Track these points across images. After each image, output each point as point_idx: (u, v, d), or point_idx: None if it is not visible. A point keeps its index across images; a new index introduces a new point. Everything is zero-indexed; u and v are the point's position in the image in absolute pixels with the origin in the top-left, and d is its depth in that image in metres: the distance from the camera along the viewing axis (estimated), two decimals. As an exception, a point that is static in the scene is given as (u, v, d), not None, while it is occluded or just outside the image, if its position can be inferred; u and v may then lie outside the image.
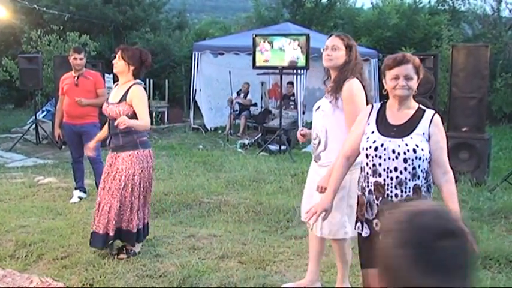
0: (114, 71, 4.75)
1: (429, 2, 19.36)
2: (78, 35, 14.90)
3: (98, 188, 6.72)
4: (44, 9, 18.25)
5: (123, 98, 4.62)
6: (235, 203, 6.65)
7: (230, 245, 5.09)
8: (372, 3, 20.21)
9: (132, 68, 4.66)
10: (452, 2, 18.94)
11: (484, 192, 7.15)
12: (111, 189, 4.64)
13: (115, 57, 4.74)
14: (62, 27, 16.11)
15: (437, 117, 2.96)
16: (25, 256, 4.76)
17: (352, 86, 3.64)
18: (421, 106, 3.01)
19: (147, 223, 4.96)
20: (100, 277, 4.30)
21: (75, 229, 5.55)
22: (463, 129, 7.87)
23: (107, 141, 4.80)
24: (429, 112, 2.97)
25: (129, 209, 4.66)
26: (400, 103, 2.97)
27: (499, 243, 5.16)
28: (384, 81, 3.02)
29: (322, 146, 3.76)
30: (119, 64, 4.68)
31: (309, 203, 3.84)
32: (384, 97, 3.13)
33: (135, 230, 4.70)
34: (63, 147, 10.64)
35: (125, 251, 4.76)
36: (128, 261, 4.57)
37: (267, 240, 5.27)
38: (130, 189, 4.63)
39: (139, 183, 4.66)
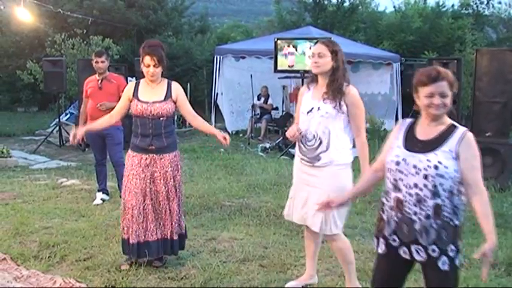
0: (153, 78, 4.47)
1: (452, 5, 19.23)
2: (102, 39, 15.06)
3: (120, 191, 6.83)
4: (68, 13, 18.48)
5: (168, 96, 4.49)
6: (257, 206, 6.66)
7: (251, 248, 5.09)
8: (394, 6, 20.14)
9: (163, 69, 4.53)
10: (476, 6, 18.76)
11: (508, 198, 7.06)
12: (164, 193, 4.48)
13: (138, 61, 4.64)
14: (85, 31, 16.34)
15: (469, 135, 2.80)
16: (48, 257, 4.81)
17: (356, 92, 3.86)
18: (454, 123, 2.88)
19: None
20: (122, 279, 4.32)
21: (98, 231, 5.59)
22: (487, 134, 7.79)
23: (143, 143, 4.46)
24: (461, 130, 2.83)
25: (180, 212, 4.63)
26: (432, 120, 2.87)
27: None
28: (415, 95, 2.90)
29: (323, 147, 3.84)
30: (157, 71, 4.46)
31: (304, 206, 3.95)
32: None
33: (184, 230, 4.72)
34: (86, 149, 10.77)
35: (158, 259, 4.63)
36: (149, 264, 4.59)
37: (288, 244, 5.27)
38: (181, 190, 4.62)
39: (181, 183, 4.65)
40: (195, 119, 4.63)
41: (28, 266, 4.57)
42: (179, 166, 4.60)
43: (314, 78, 4.02)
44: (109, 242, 5.25)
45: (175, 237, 4.57)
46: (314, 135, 3.87)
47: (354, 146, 3.93)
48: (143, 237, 4.48)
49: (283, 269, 4.62)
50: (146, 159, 4.47)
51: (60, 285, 4.10)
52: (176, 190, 4.53)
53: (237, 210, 6.53)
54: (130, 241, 4.48)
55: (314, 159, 3.89)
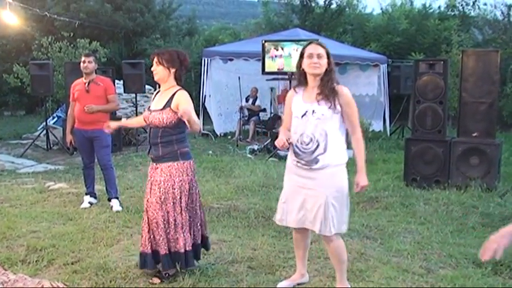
0: (156, 78, 4.44)
1: (439, 7, 19.41)
2: (89, 42, 15.01)
3: (108, 194, 6.82)
4: (55, 16, 18.40)
5: (168, 104, 4.31)
6: (245, 208, 6.66)
7: (240, 250, 5.09)
8: (381, 8, 20.24)
9: (172, 70, 4.38)
10: (462, 7, 18.90)
11: (494, 197, 7.11)
12: (153, 203, 4.33)
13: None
14: (72, 34, 16.25)
15: None
16: (36, 261, 4.79)
17: (348, 91, 3.91)
18: None
19: (200, 244, 4.60)
20: (110, 282, 4.31)
21: (86, 234, 5.57)
22: (473, 135, 7.84)
23: (147, 151, 4.48)
24: None
25: (173, 227, 4.31)
26: None
27: (510, 249, 5.11)
28: None
29: (321, 149, 3.84)
30: (158, 70, 4.38)
31: (301, 209, 4.00)
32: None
33: (182, 250, 4.33)
34: (74, 153, 10.72)
35: (159, 275, 4.41)
36: (138, 267, 4.57)
37: (277, 245, 5.28)
38: (171, 204, 4.30)
39: (180, 197, 4.33)
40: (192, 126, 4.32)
41: (15, 270, 4.54)
42: (179, 178, 4.34)
43: (302, 81, 4.00)
44: (97, 245, 5.24)
45: (162, 251, 4.33)
46: (311, 138, 3.86)
47: (348, 147, 3.94)
48: (149, 247, 4.39)
49: (272, 270, 4.63)
50: (152, 168, 4.44)
51: (47, 289, 4.08)
52: (161, 202, 4.30)
53: (226, 212, 6.53)
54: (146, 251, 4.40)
55: (312, 162, 3.87)
